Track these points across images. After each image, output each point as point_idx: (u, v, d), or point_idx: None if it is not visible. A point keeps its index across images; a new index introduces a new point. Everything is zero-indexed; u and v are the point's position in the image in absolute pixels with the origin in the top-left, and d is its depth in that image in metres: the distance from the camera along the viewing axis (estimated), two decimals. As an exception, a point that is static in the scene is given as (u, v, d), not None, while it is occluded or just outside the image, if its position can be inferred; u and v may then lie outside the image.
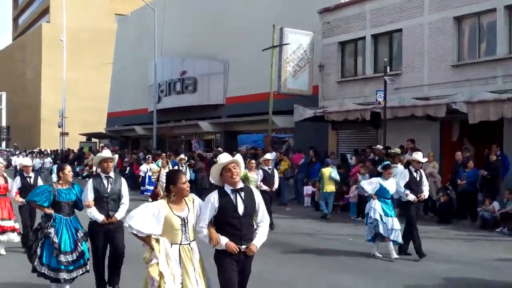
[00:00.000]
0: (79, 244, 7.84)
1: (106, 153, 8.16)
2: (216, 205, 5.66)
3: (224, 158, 5.77)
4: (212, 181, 6.06)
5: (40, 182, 11.45)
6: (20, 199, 10.92)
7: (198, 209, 5.79)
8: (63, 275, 7.70)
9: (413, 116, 18.56)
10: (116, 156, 8.62)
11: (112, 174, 8.12)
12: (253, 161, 14.85)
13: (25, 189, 10.91)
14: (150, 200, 17.96)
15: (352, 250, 11.53)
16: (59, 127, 47.97)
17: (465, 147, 17.39)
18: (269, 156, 15.62)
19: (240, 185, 5.79)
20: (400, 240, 10.69)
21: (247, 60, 29.17)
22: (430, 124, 19.49)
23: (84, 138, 49.06)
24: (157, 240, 5.62)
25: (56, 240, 7.66)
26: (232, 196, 5.71)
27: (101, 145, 47.98)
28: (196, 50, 34.02)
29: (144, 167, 22.67)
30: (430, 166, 16.16)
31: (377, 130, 21.71)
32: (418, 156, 11.25)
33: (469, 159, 16.38)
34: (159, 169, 19.91)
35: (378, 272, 9.56)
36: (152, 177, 21.06)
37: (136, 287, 7.27)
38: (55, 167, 7.48)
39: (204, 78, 33.62)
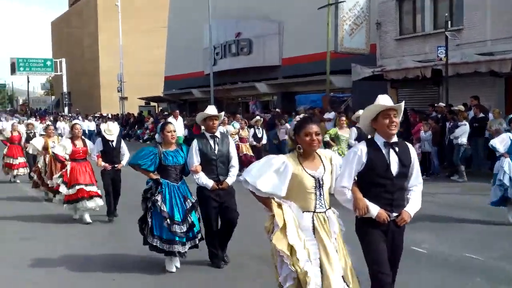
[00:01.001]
0: (188, 214, 7.04)
1: (211, 110, 7.18)
2: (364, 159, 4.57)
3: (384, 100, 4.63)
4: (360, 126, 4.97)
5: (123, 146, 10.75)
6: (103, 164, 10.36)
7: (337, 169, 4.68)
8: (178, 248, 6.97)
9: (476, 72, 18.18)
10: (222, 113, 7.62)
11: (218, 133, 7.25)
12: (344, 118, 13.59)
13: (106, 153, 10.46)
14: None
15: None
16: (118, 91, 48.93)
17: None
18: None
19: (395, 138, 4.65)
20: None
21: (302, 20, 28.92)
22: (494, 80, 19.06)
23: (142, 102, 49.91)
24: (280, 205, 4.50)
25: (164, 208, 6.90)
26: (384, 151, 4.59)
27: (160, 108, 48.79)
28: (250, 11, 33.89)
29: (220, 128, 21.85)
30: (496, 123, 15.83)
31: (438, 88, 21.38)
32: None
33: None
34: (237, 130, 18.93)
35: (453, 230, 9.52)
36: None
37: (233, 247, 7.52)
38: (159, 126, 6.50)
39: (259, 40, 33.57)
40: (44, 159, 13.35)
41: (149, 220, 6.97)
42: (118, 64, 48.90)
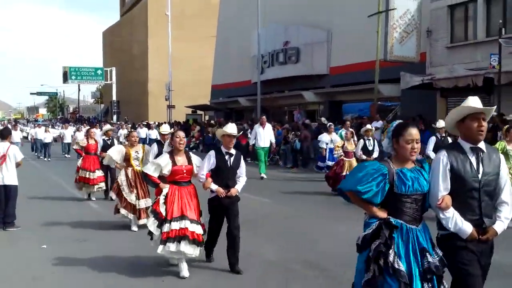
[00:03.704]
0: (425, 280, 4.13)
1: (475, 102, 4.30)
2: None
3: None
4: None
5: (243, 165, 7.61)
6: (215, 187, 7.27)
7: None
8: None
9: (530, 81, 17.67)
10: (493, 108, 4.57)
11: (482, 145, 4.34)
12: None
13: (219, 173, 7.39)
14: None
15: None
16: (166, 100, 49.45)
17: None
18: None
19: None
20: None
21: (351, 28, 28.68)
22: (549, 89, 18.47)
23: (189, 110, 50.30)
24: None
25: (401, 266, 4.06)
26: None
27: (206, 116, 49.08)
28: (299, 20, 33.80)
29: (325, 138, 18.85)
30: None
31: (490, 97, 20.84)
32: None
33: None
34: (342, 142, 15.75)
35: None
36: (335, 151, 16.57)
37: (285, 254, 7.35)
38: (393, 130, 4.32)
39: (307, 48, 33.43)
40: (126, 173, 10.53)
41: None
42: (166, 73, 49.47)
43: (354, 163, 14.71)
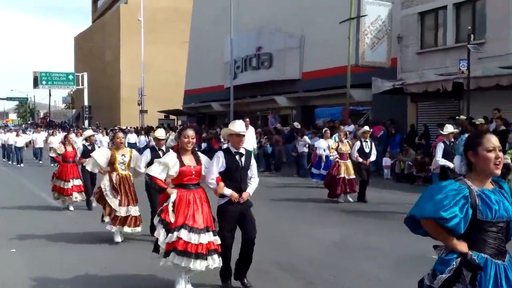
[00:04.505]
0: None
1: None
2: None
3: None
4: None
5: (254, 164, 6.87)
6: (229, 191, 6.44)
7: None
8: None
9: (498, 85, 18.02)
10: None
11: None
12: None
13: (230, 175, 6.46)
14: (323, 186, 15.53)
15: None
16: (139, 105, 49.25)
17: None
18: None
19: None
20: None
21: (323, 34, 28.94)
22: (515, 94, 18.89)
23: (162, 115, 50.15)
24: None
25: None
26: None
27: (179, 121, 48.96)
28: (272, 26, 33.97)
29: (323, 143, 17.38)
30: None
31: (459, 102, 21.25)
32: None
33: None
34: (337, 144, 15.03)
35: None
36: (330, 153, 16.21)
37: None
38: (466, 139, 3.63)
39: (280, 54, 33.62)
40: (110, 177, 9.53)
41: None
42: (139, 78, 49.28)
43: (350, 165, 14.45)
